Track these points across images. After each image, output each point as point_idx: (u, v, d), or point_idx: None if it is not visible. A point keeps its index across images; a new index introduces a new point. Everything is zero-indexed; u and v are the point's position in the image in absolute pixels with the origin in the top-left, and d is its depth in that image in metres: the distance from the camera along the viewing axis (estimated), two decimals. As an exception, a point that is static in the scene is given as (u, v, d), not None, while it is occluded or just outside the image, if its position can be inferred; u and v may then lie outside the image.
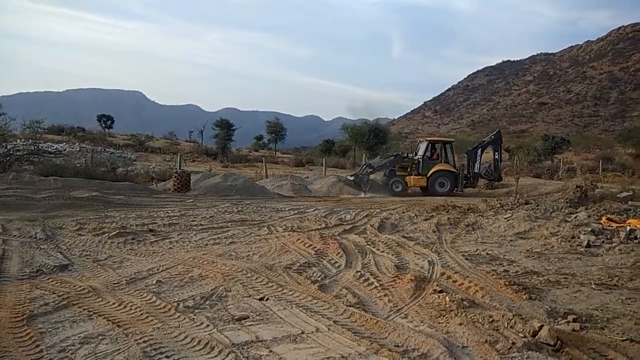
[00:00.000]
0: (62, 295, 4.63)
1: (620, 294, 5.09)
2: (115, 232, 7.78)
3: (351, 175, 18.17)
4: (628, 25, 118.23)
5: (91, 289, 4.84)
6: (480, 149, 18.37)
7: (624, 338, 3.74)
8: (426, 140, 18.71)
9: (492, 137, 18.89)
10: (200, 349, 3.50)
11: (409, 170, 17.86)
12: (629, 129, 25.59)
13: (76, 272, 5.63)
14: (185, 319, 4.13)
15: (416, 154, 18.37)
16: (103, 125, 48.05)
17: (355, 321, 4.14)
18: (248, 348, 3.55)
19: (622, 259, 6.74)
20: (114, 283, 5.14)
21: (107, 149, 30.46)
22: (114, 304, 4.48)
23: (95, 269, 5.79)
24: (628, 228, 8.27)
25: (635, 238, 7.75)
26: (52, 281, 5.16)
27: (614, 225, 8.89)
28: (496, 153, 18.48)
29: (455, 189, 17.52)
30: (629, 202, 12.44)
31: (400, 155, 18.50)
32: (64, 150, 26.93)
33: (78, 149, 27.99)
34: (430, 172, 17.42)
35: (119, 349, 3.47)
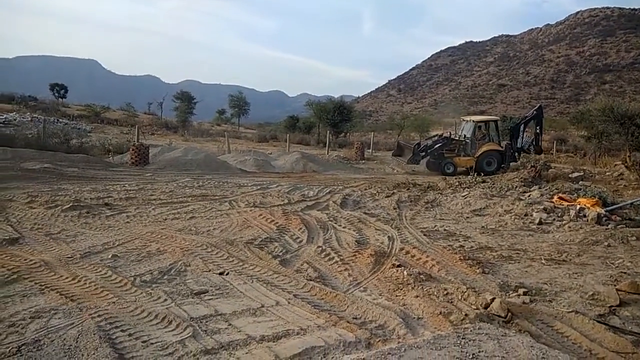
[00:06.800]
0: (12, 269, 4.46)
1: (568, 269, 5.35)
2: (68, 206, 7.49)
3: (410, 146, 18.51)
4: (586, 10, 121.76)
5: (43, 263, 4.67)
6: (523, 125, 18.71)
7: (570, 310, 3.95)
8: (473, 121, 18.64)
9: (534, 112, 19.08)
10: (157, 323, 3.45)
11: (456, 151, 17.99)
12: (582, 112, 26.52)
13: (27, 246, 5.42)
14: (142, 293, 4.06)
15: (465, 135, 18.29)
16: (56, 94, 45.76)
17: (315, 295, 4.19)
18: (206, 322, 3.53)
19: (571, 235, 7.08)
20: (68, 257, 4.98)
21: (60, 120, 28.99)
22: (67, 278, 4.35)
23: (47, 243, 5.58)
24: (578, 207, 8.67)
25: (584, 216, 8.14)
26: (2, 255, 4.95)
27: (565, 203, 9.28)
28: (538, 127, 18.76)
29: (502, 165, 17.68)
30: (580, 182, 13.03)
31: (449, 138, 18.51)
32: (14, 120, 25.53)
33: (29, 118, 26.56)
34: (479, 152, 17.63)
35: (72, 323, 3.38)
